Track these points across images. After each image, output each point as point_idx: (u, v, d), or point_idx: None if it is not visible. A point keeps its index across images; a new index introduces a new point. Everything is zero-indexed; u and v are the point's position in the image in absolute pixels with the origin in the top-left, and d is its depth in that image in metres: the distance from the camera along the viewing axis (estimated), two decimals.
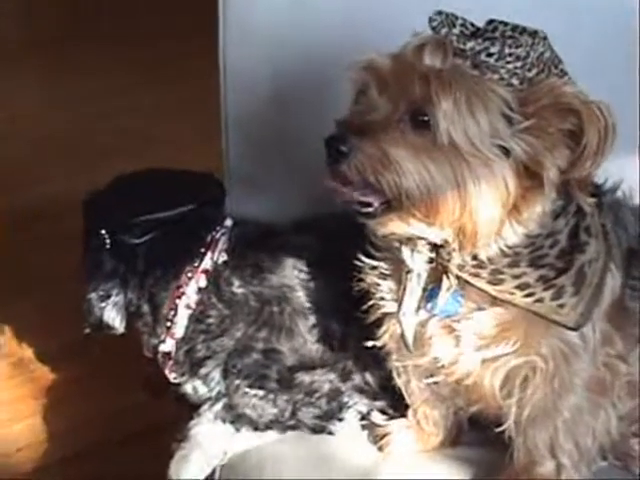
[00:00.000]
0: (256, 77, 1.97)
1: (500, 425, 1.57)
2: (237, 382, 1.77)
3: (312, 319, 1.76)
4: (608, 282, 1.49)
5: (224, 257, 1.80)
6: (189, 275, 1.77)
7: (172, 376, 1.84)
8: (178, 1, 4.01)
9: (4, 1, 4.36)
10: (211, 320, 1.77)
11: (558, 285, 1.45)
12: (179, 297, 1.77)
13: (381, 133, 1.38)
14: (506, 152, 1.36)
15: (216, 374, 1.79)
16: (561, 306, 1.44)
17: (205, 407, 1.80)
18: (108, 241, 1.76)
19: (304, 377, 1.76)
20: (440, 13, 1.41)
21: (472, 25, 1.43)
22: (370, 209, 1.42)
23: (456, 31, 1.39)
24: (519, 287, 1.45)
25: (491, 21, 1.41)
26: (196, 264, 1.78)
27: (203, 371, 1.79)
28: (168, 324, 1.79)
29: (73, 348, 2.48)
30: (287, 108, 1.93)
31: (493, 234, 1.41)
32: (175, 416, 1.87)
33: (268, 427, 1.78)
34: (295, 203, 1.94)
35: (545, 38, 1.40)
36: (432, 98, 1.34)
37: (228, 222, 1.85)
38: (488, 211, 1.38)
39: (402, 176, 1.36)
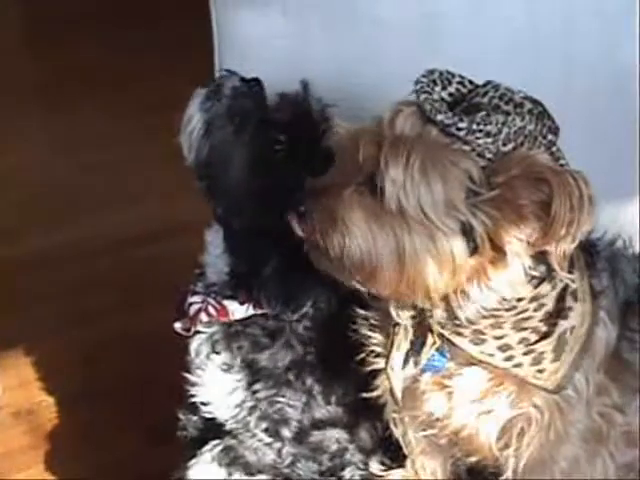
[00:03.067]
0: None
1: (498, 475, 1.58)
2: (252, 421, 1.74)
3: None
4: (600, 335, 1.49)
5: None
6: None
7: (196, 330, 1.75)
8: (178, 46, 4.05)
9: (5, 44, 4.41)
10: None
11: (537, 351, 1.45)
12: None
13: (336, 196, 1.40)
14: (463, 225, 1.36)
15: (242, 395, 1.75)
16: (540, 371, 1.45)
17: (207, 448, 1.79)
18: None
19: (318, 435, 1.75)
20: (432, 72, 1.42)
21: (470, 82, 1.44)
22: None
23: (441, 95, 1.40)
24: (500, 348, 1.45)
25: (487, 83, 1.42)
26: None
27: (257, 386, 1.73)
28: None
29: (73, 397, 2.48)
30: None
31: (441, 301, 1.42)
32: (177, 464, 1.86)
33: (260, 471, 1.77)
34: None
35: (530, 110, 1.39)
36: (380, 164, 1.35)
37: None
38: (429, 282, 1.38)
39: (347, 239, 1.38)
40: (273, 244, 1.62)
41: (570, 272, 1.46)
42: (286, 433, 1.74)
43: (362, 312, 1.58)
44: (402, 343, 1.50)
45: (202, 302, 1.71)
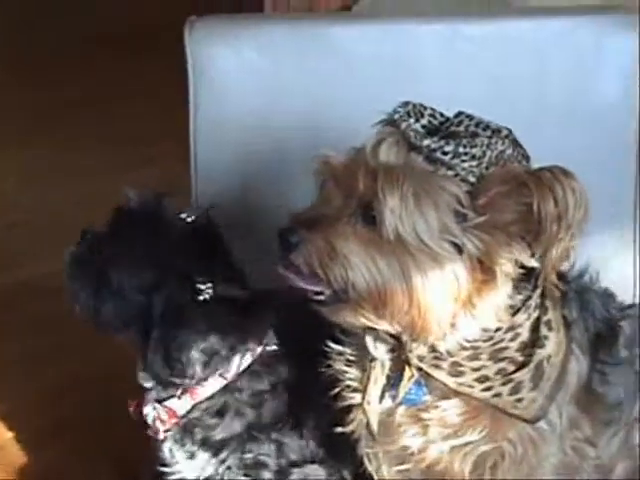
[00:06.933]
0: (225, 176, 2.05)
1: None
2: (230, 476, 1.77)
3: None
4: (573, 368, 1.50)
5: (273, 346, 1.77)
6: (238, 348, 1.74)
7: (162, 437, 1.80)
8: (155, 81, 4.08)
9: None
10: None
11: (516, 380, 1.46)
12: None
13: (330, 226, 1.40)
14: (458, 247, 1.37)
15: (213, 466, 1.78)
16: (519, 400, 1.46)
17: None
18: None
19: (299, 473, 1.76)
20: (407, 104, 1.44)
21: (441, 115, 1.45)
22: (321, 297, 1.43)
23: (416, 125, 1.41)
24: (478, 380, 1.46)
25: (459, 113, 1.44)
26: (248, 342, 1.74)
27: (222, 455, 1.77)
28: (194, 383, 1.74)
29: (42, 433, 2.47)
30: (255, 206, 1.98)
31: (445, 328, 1.42)
32: None
33: None
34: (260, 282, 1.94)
35: (507, 136, 1.41)
36: (378, 194, 1.36)
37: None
38: (438, 305, 1.39)
39: (349, 269, 1.38)
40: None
41: (543, 302, 1.48)
42: (266, 475, 1.75)
43: (337, 347, 1.58)
44: (379, 377, 1.50)
45: (154, 410, 1.79)
